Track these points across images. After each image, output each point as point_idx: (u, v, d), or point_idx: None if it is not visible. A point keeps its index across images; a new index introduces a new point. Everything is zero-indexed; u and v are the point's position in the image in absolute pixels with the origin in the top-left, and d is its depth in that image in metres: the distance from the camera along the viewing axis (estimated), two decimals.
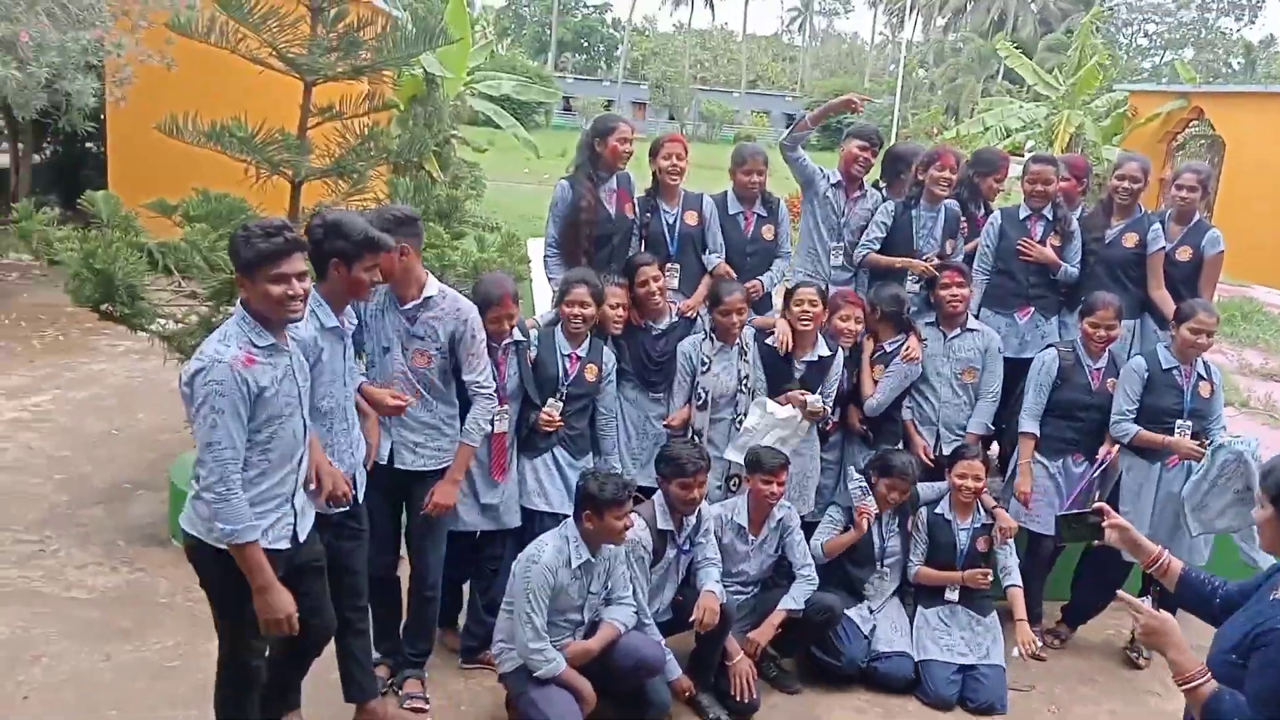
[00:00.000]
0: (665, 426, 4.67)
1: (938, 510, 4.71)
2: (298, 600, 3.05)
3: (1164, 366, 4.68)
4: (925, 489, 4.76)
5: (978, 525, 4.67)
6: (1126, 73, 39.88)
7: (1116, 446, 4.78)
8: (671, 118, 56.53)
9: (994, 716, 4.34)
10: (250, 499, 2.93)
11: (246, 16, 4.59)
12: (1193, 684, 2.26)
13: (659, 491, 4.18)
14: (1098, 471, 4.77)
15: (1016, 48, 22.85)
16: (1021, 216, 5.29)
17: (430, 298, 3.72)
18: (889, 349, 4.87)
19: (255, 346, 2.91)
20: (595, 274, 4.46)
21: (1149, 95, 19.96)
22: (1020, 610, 4.53)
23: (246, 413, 2.88)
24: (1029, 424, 4.87)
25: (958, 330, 4.98)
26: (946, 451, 4.89)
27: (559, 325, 4.33)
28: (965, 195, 5.42)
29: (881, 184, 5.78)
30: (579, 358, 4.28)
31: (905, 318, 4.90)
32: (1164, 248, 5.20)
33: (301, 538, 3.15)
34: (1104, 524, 2.84)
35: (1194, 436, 4.61)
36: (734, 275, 4.95)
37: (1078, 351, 4.89)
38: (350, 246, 3.26)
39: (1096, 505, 2.99)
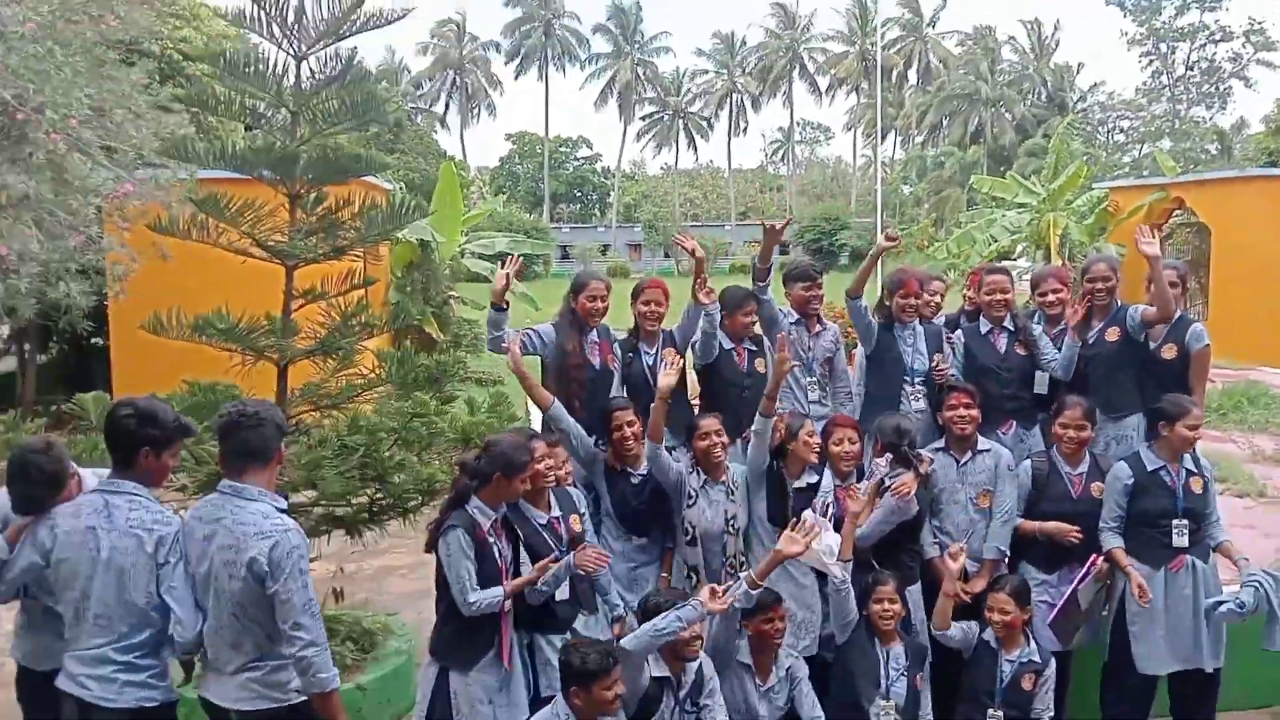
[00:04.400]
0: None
1: (984, 637, 4.54)
2: None
3: (1150, 468, 4.58)
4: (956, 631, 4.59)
5: (1024, 660, 4.45)
6: (1108, 168, 40.67)
7: (1100, 557, 4.65)
8: (667, 255, 57.66)
9: None
10: None
11: (223, 212, 4.72)
12: None
13: None
14: (1081, 581, 4.62)
15: (995, 159, 23.36)
16: (984, 331, 5.30)
17: None
18: (888, 481, 4.76)
19: None
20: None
21: (1128, 190, 20.31)
22: None
23: None
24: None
25: (969, 453, 4.88)
26: (975, 584, 4.71)
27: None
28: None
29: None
30: (558, 518, 4.19)
31: (904, 451, 4.70)
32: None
33: None
34: None
35: (1193, 536, 4.50)
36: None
37: (1053, 460, 4.81)
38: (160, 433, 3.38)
39: None
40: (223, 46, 13.49)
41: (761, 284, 5.32)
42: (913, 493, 4.60)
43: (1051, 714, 4.49)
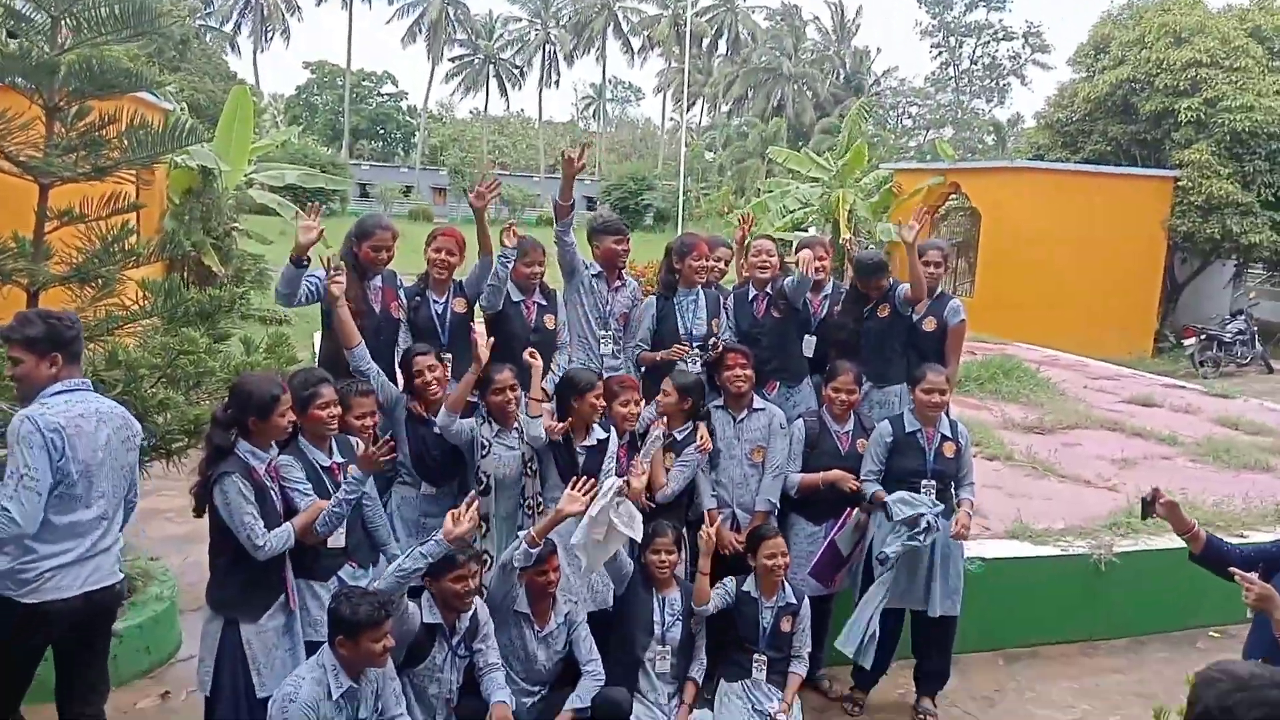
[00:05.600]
0: None
1: (744, 588, 4.74)
2: None
3: (907, 430, 4.94)
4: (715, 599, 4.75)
5: (782, 604, 4.72)
6: (894, 152, 42.97)
7: (856, 508, 5.01)
8: None
9: None
10: None
11: None
12: None
13: (426, 590, 4.01)
14: (838, 530, 4.98)
15: (795, 134, 24.13)
16: (750, 297, 5.52)
17: None
18: (679, 437, 4.92)
19: None
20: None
21: (910, 173, 21.61)
22: (789, 697, 4.67)
23: None
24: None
25: (745, 411, 5.10)
26: (743, 534, 4.94)
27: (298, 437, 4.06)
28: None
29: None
30: (339, 464, 4.09)
31: (701, 406, 4.97)
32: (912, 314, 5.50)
33: None
34: (1160, 501, 3.65)
35: (939, 495, 4.88)
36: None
37: (823, 418, 5.12)
38: None
39: (1153, 488, 3.72)
40: None
41: (563, 223, 5.29)
42: (710, 446, 4.83)
43: (809, 649, 4.81)
